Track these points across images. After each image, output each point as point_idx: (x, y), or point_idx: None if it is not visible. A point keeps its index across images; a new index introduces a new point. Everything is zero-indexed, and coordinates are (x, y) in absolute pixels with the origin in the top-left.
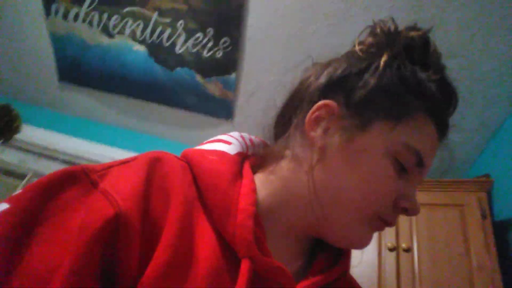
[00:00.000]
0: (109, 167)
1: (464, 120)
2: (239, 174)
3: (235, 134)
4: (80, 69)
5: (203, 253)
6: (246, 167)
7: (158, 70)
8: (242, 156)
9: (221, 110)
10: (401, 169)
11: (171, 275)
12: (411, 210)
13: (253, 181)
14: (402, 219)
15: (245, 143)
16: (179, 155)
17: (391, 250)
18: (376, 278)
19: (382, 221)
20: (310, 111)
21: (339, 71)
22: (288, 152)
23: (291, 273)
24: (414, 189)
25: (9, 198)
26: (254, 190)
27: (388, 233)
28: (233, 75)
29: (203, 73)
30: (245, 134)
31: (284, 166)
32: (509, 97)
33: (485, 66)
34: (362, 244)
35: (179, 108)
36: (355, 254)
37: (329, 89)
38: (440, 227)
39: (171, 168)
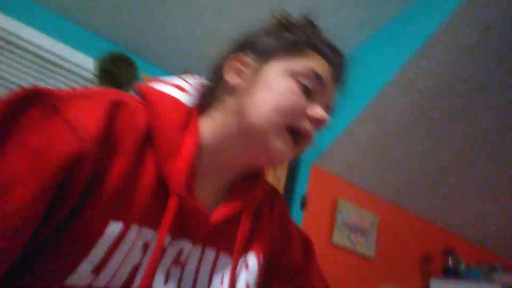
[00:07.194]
0: (70, 96)
1: None
2: (187, 125)
3: (193, 79)
4: None
5: (143, 188)
6: (194, 119)
7: None
8: (193, 108)
9: None
10: (306, 90)
11: (112, 208)
12: (318, 116)
13: (197, 134)
14: None
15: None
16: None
17: None
18: None
19: (298, 132)
20: (226, 63)
21: (245, 37)
22: (223, 97)
23: (212, 207)
24: (320, 105)
25: None
26: (196, 142)
27: None
28: None
29: None
30: (198, 77)
31: (219, 109)
32: None
33: None
34: (281, 154)
35: None
36: None
37: (238, 47)
38: None
39: (129, 114)
